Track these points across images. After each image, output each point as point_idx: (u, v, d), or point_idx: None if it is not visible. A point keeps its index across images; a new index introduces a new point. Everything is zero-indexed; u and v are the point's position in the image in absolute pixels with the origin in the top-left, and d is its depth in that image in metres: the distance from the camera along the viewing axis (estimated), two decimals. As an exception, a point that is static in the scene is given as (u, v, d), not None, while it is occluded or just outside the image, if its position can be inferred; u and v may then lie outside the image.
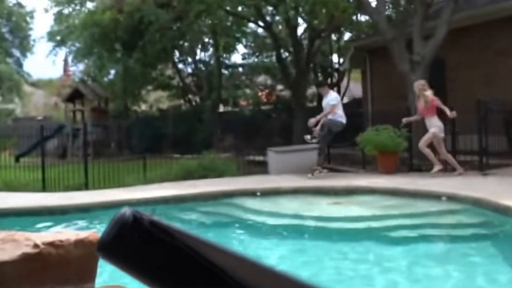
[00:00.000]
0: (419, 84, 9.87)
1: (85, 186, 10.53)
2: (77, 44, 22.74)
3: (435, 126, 9.50)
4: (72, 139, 18.38)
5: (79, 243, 3.44)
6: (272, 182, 9.46)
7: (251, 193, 8.55)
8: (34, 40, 34.34)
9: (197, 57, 22.47)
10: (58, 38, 22.71)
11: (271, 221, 7.13)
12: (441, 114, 9.61)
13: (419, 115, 9.87)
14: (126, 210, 0.56)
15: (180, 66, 23.26)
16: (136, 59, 19.22)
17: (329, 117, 9.99)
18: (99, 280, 3.48)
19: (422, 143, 9.60)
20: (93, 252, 3.53)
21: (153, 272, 0.55)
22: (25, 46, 35.35)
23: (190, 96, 22.82)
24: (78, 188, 10.38)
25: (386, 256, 5.67)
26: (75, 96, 21.26)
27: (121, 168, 11.14)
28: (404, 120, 10.13)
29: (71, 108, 21.62)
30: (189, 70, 23.54)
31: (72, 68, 28.28)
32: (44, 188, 10.57)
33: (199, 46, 22.54)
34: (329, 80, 21.42)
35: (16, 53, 35.37)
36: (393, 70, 11.83)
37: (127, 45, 19.32)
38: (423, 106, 9.64)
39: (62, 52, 24.46)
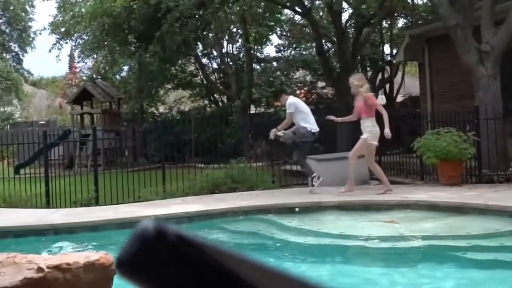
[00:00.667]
0: (355, 79, 9.83)
1: (96, 201, 10.67)
2: (85, 37, 23.12)
3: (369, 131, 9.36)
4: (79, 147, 18.68)
5: (90, 266, 3.51)
6: (312, 196, 9.44)
7: (289, 209, 8.54)
8: (35, 33, 34.95)
9: (224, 50, 22.60)
10: (63, 29, 23.12)
11: (312, 241, 7.12)
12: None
13: (354, 115, 9.79)
14: (148, 223, 0.57)
15: (204, 60, 23.43)
16: (152, 53, 19.45)
17: (291, 129, 10.15)
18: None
19: (353, 154, 9.57)
20: (106, 276, 3.58)
21: None
22: (24, 40, 36.01)
23: (216, 95, 22.96)
24: (87, 203, 10.53)
25: (450, 283, 5.59)
26: (82, 97, 21.58)
27: (136, 179, 11.26)
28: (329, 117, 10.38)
29: (79, 111, 21.97)
30: (215, 65, 23.71)
31: (79, 65, 28.79)
32: (48, 204, 10.74)
33: (226, 37, 22.67)
34: (380, 75, 21.32)
35: (15, 47, 36.05)
36: (457, 63, 11.69)
37: (142, 37, 19.55)
38: (361, 104, 9.54)
39: (67, 46, 24.90)
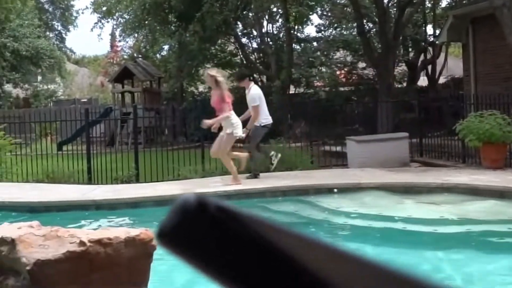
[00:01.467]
0: (209, 74, 9.47)
1: (136, 179, 10.81)
2: (126, 16, 23.30)
3: (230, 125, 8.96)
4: (120, 125, 18.90)
5: (130, 241, 3.55)
6: (352, 177, 9.39)
7: (328, 190, 8.52)
8: (77, 12, 35.27)
9: (264, 30, 22.51)
10: (104, 8, 23.33)
11: (351, 222, 7.09)
12: None
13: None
14: (190, 195, 0.57)
15: (244, 40, 23.38)
16: (192, 33, 19.48)
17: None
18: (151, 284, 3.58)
19: (222, 151, 9.11)
20: (146, 252, 3.63)
21: (219, 263, 0.56)
22: (67, 19, 36.37)
23: (255, 75, 22.94)
24: (127, 180, 10.68)
25: (490, 267, 5.52)
26: (123, 75, 21.74)
27: (176, 158, 11.35)
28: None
29: (120, 89, 22.16)
30: (254, 45, 23.64)
31: (120, 44, 29.03)
32: (90, 180, 10.92)
33: (266, 17, 22.57)
34: (422, 56, 21.00)
35: (58, 26, 36.43)
36: (502, 44, 11.43)
37: (182, 16, 19.60)
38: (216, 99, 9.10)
39: (109, 25, 25.11)
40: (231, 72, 23.71)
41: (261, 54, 22.98)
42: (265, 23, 22.63)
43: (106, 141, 17.18)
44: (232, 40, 23.10)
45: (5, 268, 3.38)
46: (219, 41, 22.51)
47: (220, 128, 9.29)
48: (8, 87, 28.89)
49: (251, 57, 22.93)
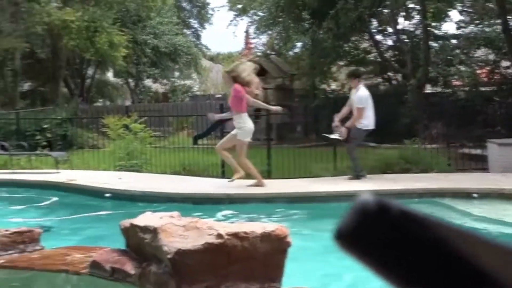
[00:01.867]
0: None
1: (268, 174, 10.93)
2: (260, 13, 23.62)
3: (240, 128, 8.82)
4: (254, 121, 19.18)
5: (266, 237, 3.59)
6: (493, 182, 8.94)
7: (466, 194, 8.19)
8: (213, 10, 36.23)
9: (399, 27, 22.00)
10: (239, 6, 23.79)
11: (493, 229, 6.76)
12: None
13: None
14: (370, 196, 0.56)
15: (378, 37, 22.98)
16: (326, 30, 19.42)
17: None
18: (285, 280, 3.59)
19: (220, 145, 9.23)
20: (281, 247, 3.65)
21: (398, 266, 0.55)
22: (203, 16, 37.46)
23: (390, 73, 22.49)
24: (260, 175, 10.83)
25: None
26: (257, 72, 22.08)
27: (307, 155, 11.37)
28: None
29: (253, 86, 22.53)
30: (389, 42, 23.17)
31: (254, 41, 29.50)
32: (223, 174, 11.18)
33: (402, 14, 22.04)
34: None
35: (194, 24, 37.57)
36: None
37: (316, 13, 19.58)
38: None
39: (243, 22, 25.56)
40: (364, 70, 23.44)
41: (396, 52, 22.47)
42: (400, 20, 22.11)
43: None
44: (366, 37, 22.77)
45: (148, 255, 3.54)
46: (353, 38, 22.27)
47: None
48: (148, 82, 30.31)
49: (386, 55, 22.50)
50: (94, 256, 3.82)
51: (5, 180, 10.36)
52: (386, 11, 21.84)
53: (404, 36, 21.68)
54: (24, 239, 4.35)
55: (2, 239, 4.28)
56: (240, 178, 9.04)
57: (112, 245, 4.14)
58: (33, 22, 22.15)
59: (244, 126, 9.00)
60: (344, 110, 9.88)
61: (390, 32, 22.68)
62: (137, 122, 12.87)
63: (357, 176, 9.60)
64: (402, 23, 22.01)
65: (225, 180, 9.79)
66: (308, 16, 20.99)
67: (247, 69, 9.43)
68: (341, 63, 23.13)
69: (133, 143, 12.34)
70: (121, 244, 3.93)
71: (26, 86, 27.65)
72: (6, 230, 4.38)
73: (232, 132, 9.24)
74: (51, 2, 22.92)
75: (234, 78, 9.08)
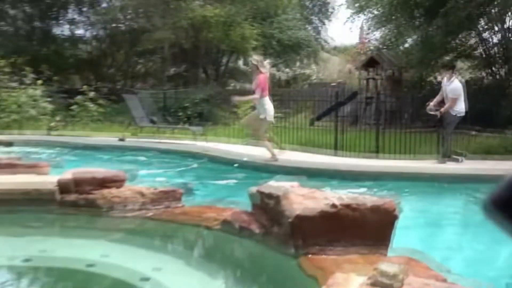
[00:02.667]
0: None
1: (376, 154, 10.72)
2: (375, 12, 23.06)
3: (263, 110, 8.94)
4: (364, 107, 18.87)
5: (375, 209, 3.51)
6: None
7: None
8: (333, 8, 35.80)
9: (506, 25, 20.66)
10: (357, 5, 23.35)
11: None
12: None
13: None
14: None
15: (485, 35, 21.72)
16: (435, 27, 18.60)
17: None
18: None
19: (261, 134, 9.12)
20: (389, 220, 3.56)
21: None
22: (324, 13, 37.15)
23: (494, 68, 21.24)
24: (368, 155, 10.64)
25: None
26: (369, 64, 21.68)
27: (413, 139, 11.03)
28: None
29: (365, 76, 22.16)
30: (495, 39, 21.84)
31: (367, 36, 28.88)
32: (336, 152, 11.09)
33: (509, 13, 20.67)
34: None
35: (315, 20, 37.38)
36: None
37: (427, 12, 18.80)
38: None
39: (360, 19, 25.10)
40: (469, 64, 22.29)
41: (501, 48, 21.16)
42: (507, 19, 20.75)
43: (350, 121, 17.29)
44: (473, 34, 21.60)
45: (271, 218, 3.57)
46: (460, 35, 21.20)
47: None
48: (273, 70, 30.53)
49: (492, 51, 21.25)
50: (225, 215, 3.91)
51: (153, 148, 10.86)
52: (494, 10, 20.58)
53: (510, 34, 20.35)
54: (168, 197, 4.52)
55: (151, 196, 4.48)
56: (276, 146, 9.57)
57: (239, 206, 4.22)
58: (179, 18, 22.91)
59: (266, 109, 9.22)
60: (438, 98, 9.92)
61: (496, 30, 21.38)
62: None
63: (444, 159, 9.45)
64: (508, 21, 20.69)
65: (338, 158, 9.73)
66: (419, 14, 20.20)
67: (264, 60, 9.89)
68: (448, 57, 22.14)
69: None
70: (247, 207, 3.99)
71: (172, 70, 28.70)
72: (155, 189, 4.58)
73: (254, 112, 9.56)
74: (194, 0, 23.60)
75: (257, 67, 9.41)
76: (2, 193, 4.53)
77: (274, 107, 13.05)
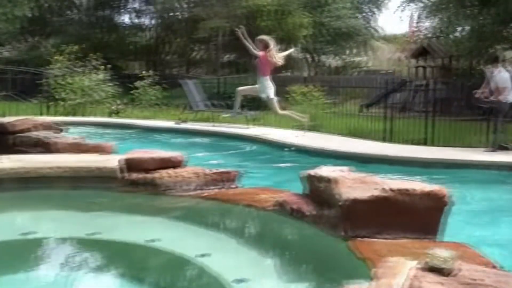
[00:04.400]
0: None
1: (425, 142, 10.48)
2: (425, 0, 22.43)
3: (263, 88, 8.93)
4: (413, 95, 18.46)
5: (425, 195, 3.42)
6: None
7: None
8: (384, -3, 35.03)
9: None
10: (408, -7, 22.76)
11: None
12: None
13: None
14: None
15: (538, 24, 20.80)
16: (488, 16, 17.95)
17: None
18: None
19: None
20: (438, 206, 3.47)
21: None
22: (374, 2, 36.42)
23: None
24: (417, 142, 10.42)
25: None
26: (419, 52, 21.17)
27: (463, 128, 10.72)
28: None
29: (414, 64, 21.66)
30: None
31: (418, 24, 28.14)
32: (385, 139, 10.90)
33: None
34: None
35: (366, 9, 36.69)
36: None
37: (480, 1, 18.14)
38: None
39: (410, 8, 24.49)
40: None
41: (555, 38, 20.25)
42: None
43: (400, 108, 16.95)
44: (526, 23, 20.72)
45: (322, 201, 3.54)
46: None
47: None
48: (323, 58, 30.23)
49: (544, 41, 20.35)
50: (277, 197, 3.91)
51: (208, 131, 10.95)
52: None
53: None
54: (224, 178, 4.55)
55: (206, 177, 4.51)
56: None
57: (291, 189, 4.20)
58: (234, 6, 22.92)
59: (266, 88, 9.45)
60: (484, 87, 9.94)
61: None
62: (314, 91, 12.91)
63: (504, 147, 9.24)
64: None
65: (386, 144, 9.57)
66: (471, 3, 19.53)
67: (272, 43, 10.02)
68: (498, 46, 21.34)
69: (309, 107, 12.43)
70: (298, 189, 3.97)
71: (225, 58, 28.80)
72: (210, 170, 4.62)
73: (255, 87, 9.91)
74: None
75: (264, 45, 9.68)
76: (68, 170, 4.67)
77: (324, 95, 13.00)
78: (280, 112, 10.17)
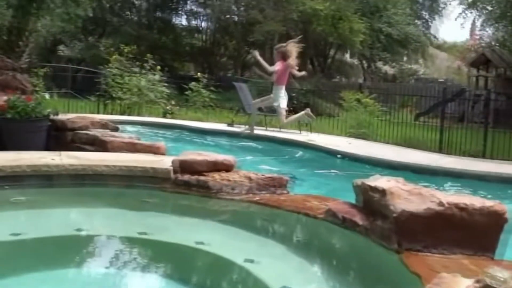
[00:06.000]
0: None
1: (482, 154, 10.16)
2: (489, 7, 21.78)
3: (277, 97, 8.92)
4: (471, 105, 17.95)
5: (484, 210, 3.30)
6: None
7: None
8: (444, 3, 34.32)
9: None
10: (470, 0, 22.17)
11: None
12: None
13: None
14: None
15: None
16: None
17: None
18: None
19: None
20: (497, 223, 3.35)
21: None
22: (434, 9, 35.72)
23: None
24: (474, 154, 10.10)
25: None
26: (480, 61, 20.55)
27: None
28: None
29: (474, 74, 21.04)
30: None
31: (479, 32, 27.38)
32: (440, 149, 10.63)
33: None
34: None
35: (425, 15, 36.03)
36: None
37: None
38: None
39: (471, 15, 23.84)
40: None
41: None
42: None
43: (457, 118, 16.51)
44: None
45: (375, 211, 3.48)
46: None
47: None
48: (379, 64, 29.80)
49: None
50: (329, 205, 3.86)
51: (261, 136, 10.96)
52: None
53: None
54: (275, 183, 4.54)
55: (258, 181, 4.52)
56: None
57: (340, 197, 4.15)
58: (290, 10, 22.92)
59: (279, 97, 9.32)
60: None
61: None
62: (368, 98, 12.75)
63: None
64: None
65: (442, 155, 9.33)
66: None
67: (293, 49, 9.61)
68: None
69: (362, 114, 12.27)
70: (348, 198, 3.92)
71: (280, 61, 28.85)
72: (262, 175, 4.62)
73: (269, 97, 9.74)
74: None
75: (283, 54, 9.35)
76: (124, 169, 4.78)
77: (378, 102, 12.82)
78: (286, 121, 10.02)
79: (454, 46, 36.75)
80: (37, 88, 8.60)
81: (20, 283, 3.05)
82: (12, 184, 4.56)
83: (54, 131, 6.67)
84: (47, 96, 7.78)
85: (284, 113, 10.15)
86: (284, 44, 9.99)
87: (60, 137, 6.60)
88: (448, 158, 8.83)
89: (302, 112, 10.66)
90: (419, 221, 3.23)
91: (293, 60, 9.47)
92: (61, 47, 28.46)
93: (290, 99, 18.31)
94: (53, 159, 4.92)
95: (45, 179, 4.68)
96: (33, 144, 6.17)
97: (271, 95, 10.06)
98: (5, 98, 6.64)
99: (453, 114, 16.36)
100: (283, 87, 9.72)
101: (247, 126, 10.85)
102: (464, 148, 10.46)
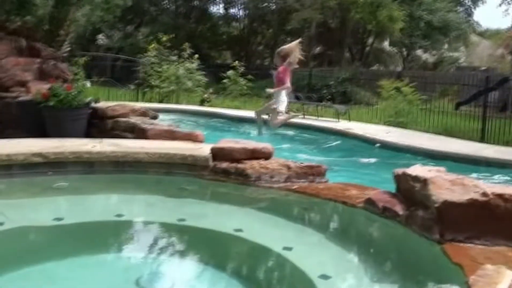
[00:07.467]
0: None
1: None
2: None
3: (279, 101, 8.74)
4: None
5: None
6: None
7: None
8: (488, -11, 33.36)
9: None
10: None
11: None
12: None
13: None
14: None
15: None
16: None
17: None
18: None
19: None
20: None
21: None
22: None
23: None
24: (517, 144, 9.85)
25: None
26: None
27: None
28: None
29: (518, 61, 20.44)
30: None
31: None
32: (482, 139, 10.40)
33: None
34: None
35: (468, 2, 35.11)
36: None
37: None
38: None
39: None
40: None
41: None
42: None
43: (499, 107, 16.07)
44: None
45: (416, 201, 3.42)
46: None
47: None
48: (419, 52, 29.25)
49: None
50: (369, 194, 3.82)
51: (297, 123, 10.92)
52: None
53: None
54: (313, 172, 4.52)
55: (296, 169, 4.50)
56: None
57: (379, 187, 4.09)
58: (328, -3, 22.67)
59: (280, 100, 8.96)
60: None
61: None
62: (407, 86, 12.54)
63: None
64: None
65: (484, 145, 9.11)
66: None
67: (294, 48, 9.35)
68: None
69: (401, 103, 12.09)
70: (387, 187, 3.86)
71: (317, 49, 28.61)
72: (301, 163, 4.60)
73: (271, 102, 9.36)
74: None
75: (283, 57, 9.03)
76: (163, 156, 4.83)
77: (418, 89, 12.60)
78: (275, 122, 9.47)
79: (497, 33, 35.74)
80: (77, 77, 8.73)
81: (62, 267, 3.12)
82: (55, 171, 4.66)
83: (95, 118, 6.79)
84: (88, 84, 7.90)
85: (277, 116, 9.69)
86: (285, 47, 9.77)
87: (100, 124, 6.71)
88: (491, 148, 8.62)
89: (291, 114, 10.20)
90: (461, 212, 3.16)
91: (294, 58, 9.24)
92: (100, 36, 28.88)
93: (328, 86, 18.20)
94: (94, 146, 5.01)
95: (87, 165, 4.77)
96: (74, 132, 6.29)
97: (272, 101, 9.81)
98: (47, 86, 6.78)
99: (495, 103, 15.95)
100: (285, 91, 9.41)
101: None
102: (507, 138, 10.19)
